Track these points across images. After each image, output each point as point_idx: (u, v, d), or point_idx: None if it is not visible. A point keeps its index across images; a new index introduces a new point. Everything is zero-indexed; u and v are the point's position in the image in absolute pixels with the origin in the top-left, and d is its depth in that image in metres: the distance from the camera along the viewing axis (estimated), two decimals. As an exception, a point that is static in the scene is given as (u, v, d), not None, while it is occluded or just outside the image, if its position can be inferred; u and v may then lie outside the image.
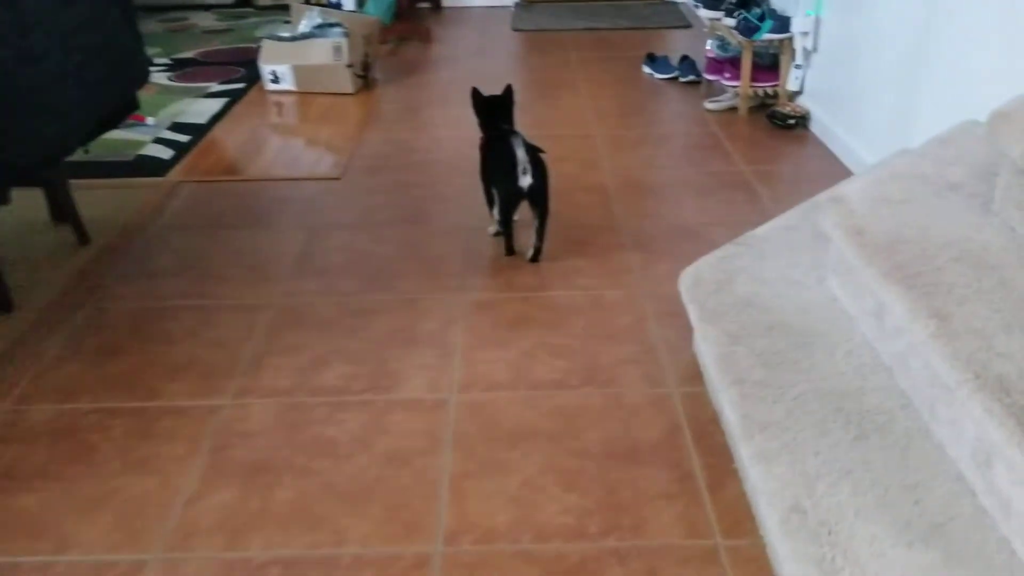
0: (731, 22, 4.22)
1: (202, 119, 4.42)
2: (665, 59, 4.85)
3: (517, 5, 6.68)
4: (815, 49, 3.94)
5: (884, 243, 1.89)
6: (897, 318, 1.76)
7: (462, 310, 2.67)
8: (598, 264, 2.90)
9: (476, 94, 3.00)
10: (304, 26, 4.90)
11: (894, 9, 3.19)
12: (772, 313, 2.07)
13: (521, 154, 2.75)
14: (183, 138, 4.15)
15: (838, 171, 3.56)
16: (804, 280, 2.22)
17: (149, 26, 6.21)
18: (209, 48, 5.76)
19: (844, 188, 2.18)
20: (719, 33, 4.56)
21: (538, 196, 2.83)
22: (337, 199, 3.48)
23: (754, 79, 4.16)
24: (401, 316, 2.64)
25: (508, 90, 3.03)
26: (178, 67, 5.35)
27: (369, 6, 6.02)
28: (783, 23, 4.03)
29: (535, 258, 2.92)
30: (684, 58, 4.79)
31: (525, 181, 2.77)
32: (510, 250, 2.96)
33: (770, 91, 4.18)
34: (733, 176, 3.55)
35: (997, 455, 1.47)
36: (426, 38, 5.84)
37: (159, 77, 5.11)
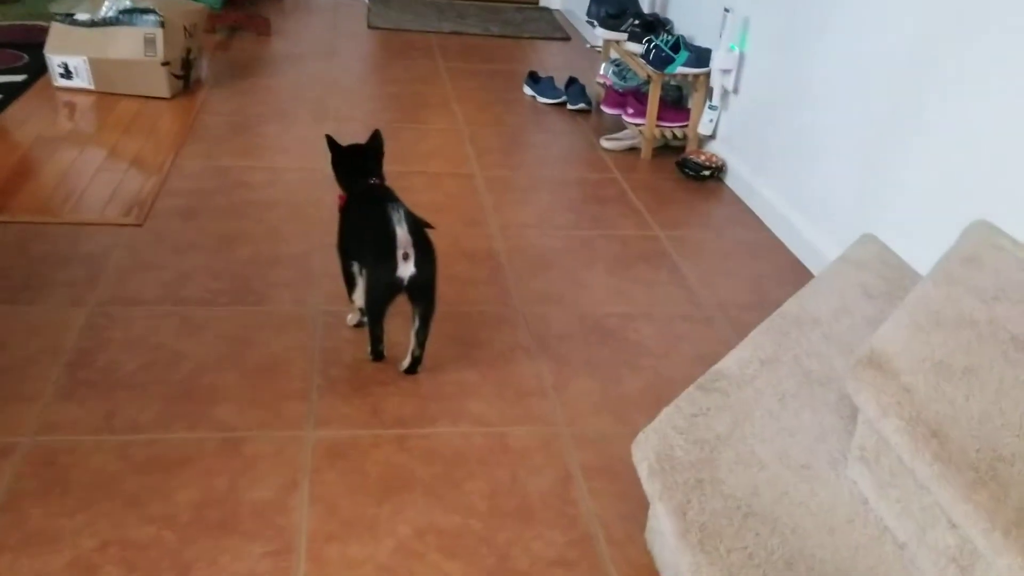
0: (637, 48, 3.56)
1: (-43, 123, 3.37)
2: (550, 81, 4.16)
3: (372, -3, 5.82)
4: (736, 90, 3.34)
5: (975, 459, 1.25)
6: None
7: (308, 460, 1.86)
8: (496, 379, 2.16)
9: (333, 145, 2.20)
10: (107, 8, 3.88)
11: (844, 50, 2.61)
12: (785, 533, 1.39)
13: (402, 233, 1.97)
14: (-75, 152, 3.11)
15: (765, 240, 2.97)
16: (813, 463, 1.56)
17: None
18: (-16, 23, 4.61)
19: (878, 342, 1.53)
20: (615, 58, 3.90)
21: (422, 291, 2.06)
22: (135, 258, 2.57)
23: (660, 118, 3.52)
24: (216, 473, 1.81)
25: (376, 138, 2.24)
26: (-63, 46, 4.20)
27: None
28: (700, 56, 3.41)
29: (412, 369, 2.15)
30: (571, 81, 4.11)
31: (406, 270, 2.00)
32: (378, 355, 2.18)
33: (678, 133, 3.55)
34: (647, 243, 2.89)
35: None
36: (264, 30, 4.91)
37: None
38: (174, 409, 1.98)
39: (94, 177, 3.06)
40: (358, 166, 2.20)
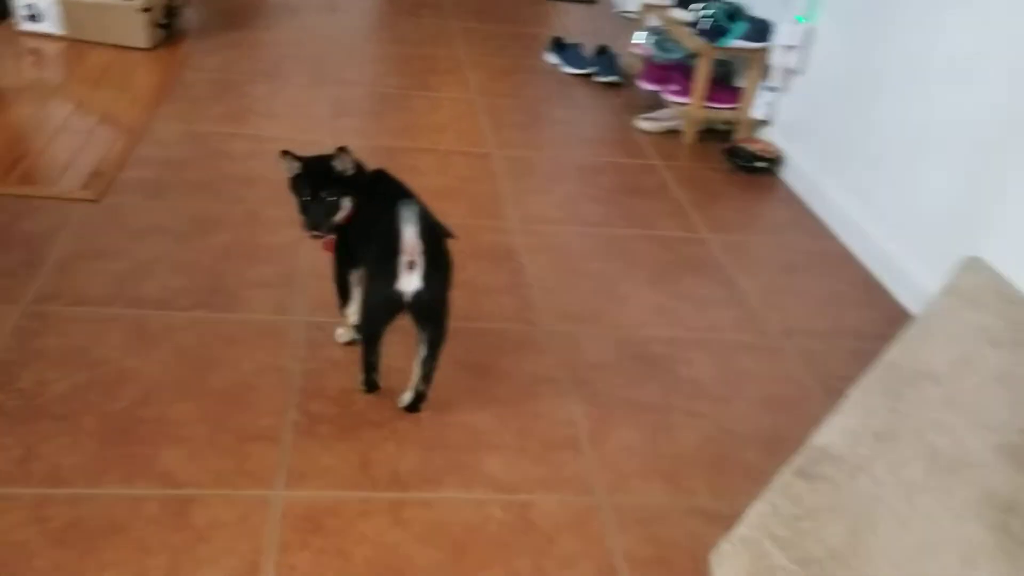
0: (684, 16, 3.09)
1: None
2: (576, 49, 3.69)
3: (382, -54, 5.31)
4: (801, 70, 2.88)
5: None
6: None
7: (275, 533, 1.44)
8: (517, 424, 1.73)
9: (289, 158, 1.67)
10: (80, -57, 3.40)
11: (947, 23, 2.15)
12: None
13: (410, 236, 1.52)
14: None
15: (833, 250, 2.53)
16: (961, 600, 1.13)
17: None
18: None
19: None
20: (656, 26, 3.43)
21: (429, 312, 1.62)
22: (85, 243, 2.13)
23: (708, 98, 3.07)
24: (153, 549, 1.39)
25: (341, 153, 1.68)
26: None
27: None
28: (760, 29, 2.94)
29: (414, 407, 1.72)
30: (601, 50, 3.64)
31: (409, 283, 1.56)
32: (371, 385, 1.75)
33: (728, 116, 3.10)
34: (694, 248, 2.45)
35: None
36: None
37: None
38: (109, 452, 1.55)
39: (52, 138, 2.61)
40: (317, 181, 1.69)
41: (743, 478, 1.66)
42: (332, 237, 1.74)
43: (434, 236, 1.58)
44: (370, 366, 1.72)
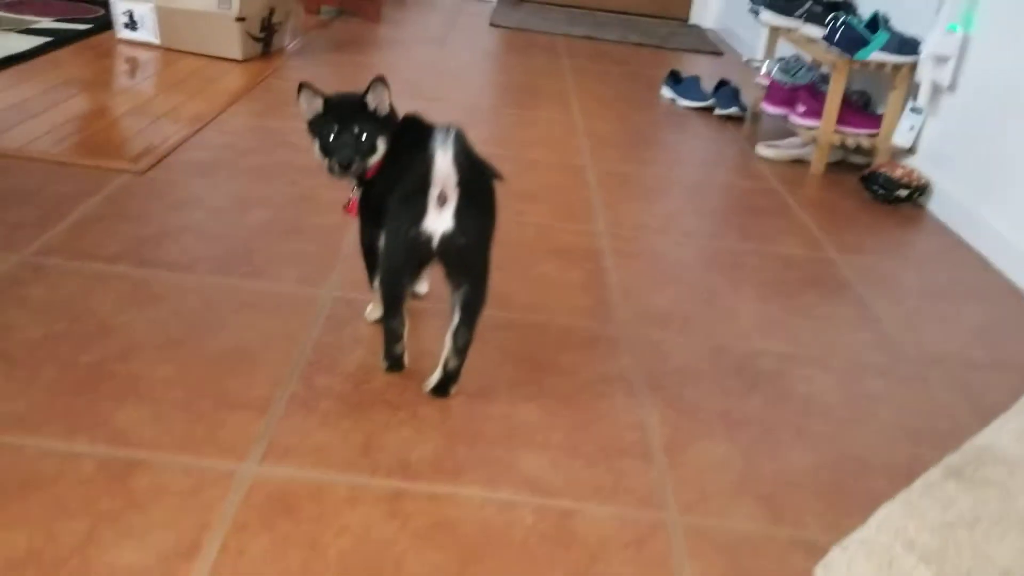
0: (817, 32, 2.74)
1: (-18, 58, 2.84)
2: (694, 81, 3.37)
3: (500, 0, 5.20)
4: (952, 86, 2.47)
5: None
6: None
7: (231, 511, 1.09)
8: (571, 421, 1.35)
9: (308, 92, 1.40)
10: (187, -44, 3.34)
11: None
12: None
13: (443, 163, 1.20)
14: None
15: (994, 283, 2.07)
16: None
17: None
18: (75, -20, 4.17)
19: None
20: (781, 57, 3.08)
21: (462, 260, 1.28)
22: (113, 208, 1.90)
23: (841, 121, 2.68)
24: (73, 512, 1.06)
25: (377, 83, 1.40)
26: (13, -6, 3.76)
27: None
28: (905, 42, 2.56)
29: (442, 389, 1.36)
30: (722, 83, 3.31)
31: (439, 222, 1.23)
32: (394, 361, 1.41)
33: (863, 142, 2.69)
34: (818, 267, 2.04)
35: None
36: (373, 16, 4.31)
37: (-24, 2, 3.53)
38: (57, 402, 1.25)
39: (115, 121, 2.44)
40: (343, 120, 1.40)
41: (867, 511, 1.21)
42: (356, 197, 1.44)
43: (475, 170, 1.25)
44: (392, 335, 1.37)
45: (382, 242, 1.34)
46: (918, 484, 0.84)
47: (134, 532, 1.04)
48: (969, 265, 2.17)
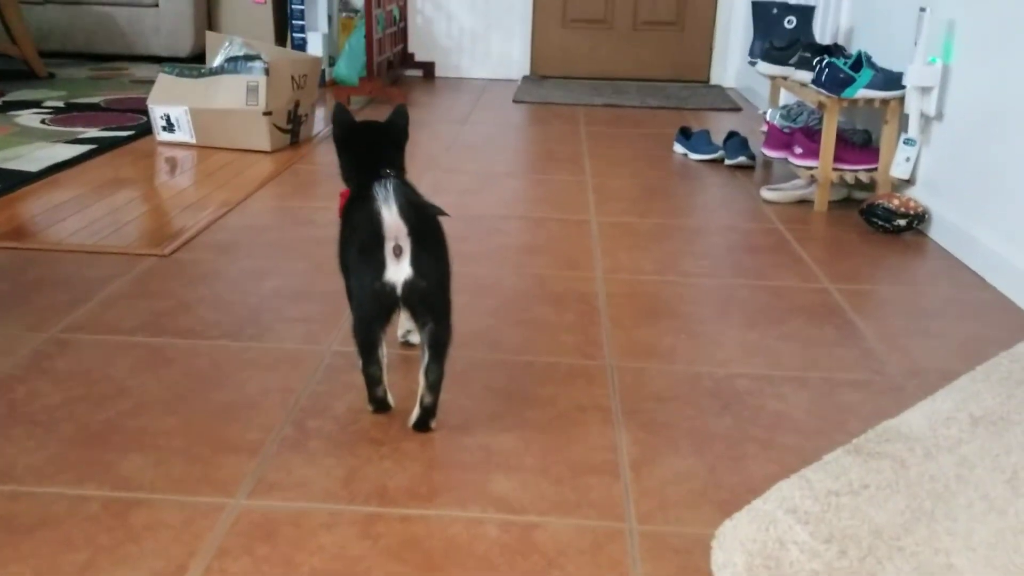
0: (806, 76, 2.84)
1: (34, 166, 3.08)
2: (704, 135, 3.47)
3: (525, 78, 5.41)
4: (939, 115, 2.53)
5: None
6: None
7: (218, 539, 1.19)
8: (545, 446, 1.42)
9: (341, 119, 1.57)
10: (219, 59, 3.60)
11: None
12: None
13: (391, 218, 1.32)
14: (-24, 184, 2.81)
15: (989, 299, 2.10)
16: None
17: (75, 72, 5.03)
18: (122, 95, 4.50)
19: None
20: (784, 104, 3.18)
21: (424, 302, 1.39)
22: (137, 287, 2.06)
23: (838, 159, 2.74)
24: (75, 545, 1.18)
25: (399, 114, 1.59)
26: (65, 111, 4.06)
27: (340, 65, 4.78)
28: (889, 78, 2.63)
29: (422, 424, 1.46)
30: (732, 135, 3.41)
31: (398, 272, 1.34)
32: (378, 403, 1.51)
33: (862, 177, 2.75)
34: (810, 296, 2.09)
35: None
36: (403, 101, 4.54)
37: (31, 119, 3.83)
38: (72, 455, 1.38)
39: (148, 213, 2.63)
40: (371, 150, 1.56)
41: (827, 511, 1.26)
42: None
43: (420, 215, 1.37)
44: (371, 379, 1.48)
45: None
46: (818, 461, 0.90)
47: (128, 560, 1.15)
48: (966, 285, 2.20)
